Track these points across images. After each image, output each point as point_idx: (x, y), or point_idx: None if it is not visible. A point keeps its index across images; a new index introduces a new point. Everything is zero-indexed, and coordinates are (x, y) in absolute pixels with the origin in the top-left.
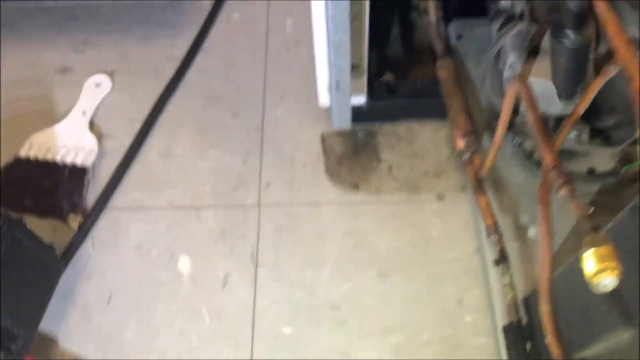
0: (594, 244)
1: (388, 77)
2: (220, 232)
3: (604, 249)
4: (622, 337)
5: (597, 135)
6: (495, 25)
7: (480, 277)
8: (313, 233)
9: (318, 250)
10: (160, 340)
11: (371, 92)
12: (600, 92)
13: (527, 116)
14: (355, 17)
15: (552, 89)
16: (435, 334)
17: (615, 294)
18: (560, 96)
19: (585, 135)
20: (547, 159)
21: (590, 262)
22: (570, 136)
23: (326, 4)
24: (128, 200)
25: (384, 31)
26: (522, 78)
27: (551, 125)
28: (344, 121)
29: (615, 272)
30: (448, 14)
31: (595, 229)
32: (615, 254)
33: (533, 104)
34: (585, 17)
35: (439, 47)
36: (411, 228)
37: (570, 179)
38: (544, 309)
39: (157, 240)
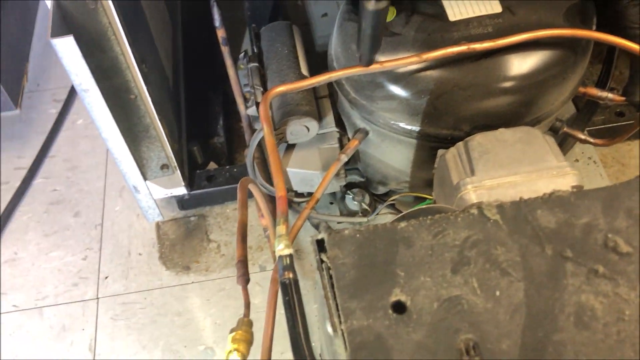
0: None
1: (212, 166)
2: (61, 327)
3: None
4: None
5: (378, 199)
6: None
7: None
8: (146, 319)
9: (150, 334)
10: None
11: (192, 183)
12: (368, 170)
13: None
14: (144, 126)
15: (309, 174)
16: None
17: None
18: (364, 58)
19: (367, 200)
20: (237, 252)
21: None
22: (354, 203)
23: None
24: None
25: (209, 123)
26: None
27: (339, 197)
28: (154, 216)
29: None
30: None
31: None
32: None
33: (240, 209)
34: None
35: (247, 136)
36: (236, 300)
37: (245, 272)
38: None
39: (4, 345)
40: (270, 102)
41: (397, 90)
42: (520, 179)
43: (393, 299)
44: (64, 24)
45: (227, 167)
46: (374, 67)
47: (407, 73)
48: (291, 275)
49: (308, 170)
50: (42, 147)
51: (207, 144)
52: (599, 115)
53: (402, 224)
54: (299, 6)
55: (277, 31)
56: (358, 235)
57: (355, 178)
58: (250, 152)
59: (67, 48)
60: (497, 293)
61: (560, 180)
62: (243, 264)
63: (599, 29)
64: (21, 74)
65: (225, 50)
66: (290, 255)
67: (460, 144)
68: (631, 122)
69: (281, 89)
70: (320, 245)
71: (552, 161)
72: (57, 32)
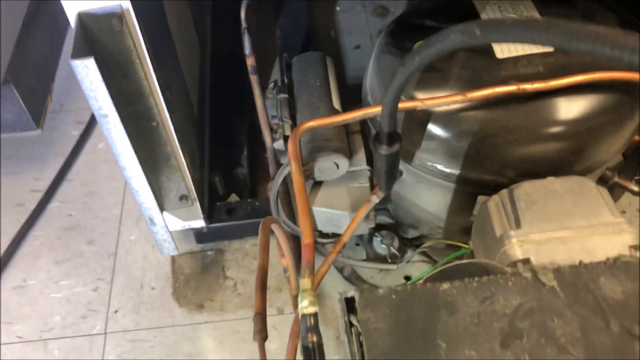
0: None
1: (234, 198)
2: None
3: None
4: None
5: (409, 243)
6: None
7: None
8: (155, 358)
9: None
10: None
11: (211, 215)
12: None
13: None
14: (164, 155)
15: (336, 214)
16: None
17: None
18: (380, 190)
19: (396, 244)
20: (255, 303)
21: None
22: (382, 246)
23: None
24: None
25: (232, 153)
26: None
27: (366, 238)
28: (170, 250)
29: None
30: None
31: None
32: None
33: (261, 253)
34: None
35: (272, 170)
36: (250, 344)
37: (263, 327)
38: None
39: None
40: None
41: (437, 130)
42: (572, 234)
43: None
44: (86, 45)
45: (249, 200)
46: (413, 105)
47: (449, 112)
48: (315, 339)
49: (336, 211)
50: (61, 169)
51: (229, 174)
52: None
53: (445, 286)
54: (331, 37)
55: (310, 62)
56: (394, 297)
57: (384, 219)
58: (275, 188)
59: (87, 70)
60: None
61: (617, 238)
62: (261, 317)
63: None
64: (46, 94)
65: (253, 79)
66: (316, 315)
67: (504, 191)
68: None
69: (312, 124)
70: (349, 305)
71: (607, 216)
72: (78, 53)
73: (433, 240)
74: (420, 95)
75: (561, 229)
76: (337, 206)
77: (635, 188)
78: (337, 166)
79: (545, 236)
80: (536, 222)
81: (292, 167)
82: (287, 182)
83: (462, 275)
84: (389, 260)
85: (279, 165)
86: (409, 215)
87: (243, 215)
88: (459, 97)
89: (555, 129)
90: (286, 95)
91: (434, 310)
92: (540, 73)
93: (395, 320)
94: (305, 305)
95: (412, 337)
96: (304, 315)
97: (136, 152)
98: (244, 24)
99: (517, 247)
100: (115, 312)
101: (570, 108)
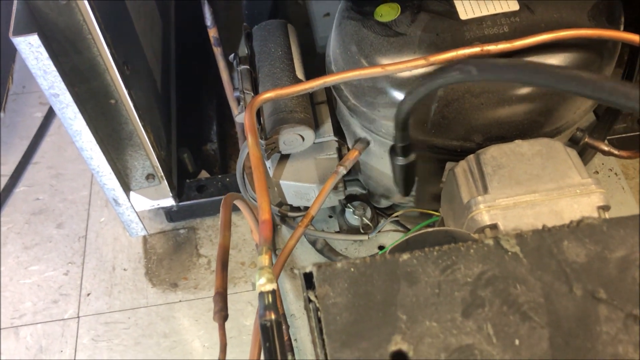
0: None
1: (204, 174)
2: (38, 348)
3: None
4: None
5: (382, 213)
6: None
7: None
8: (129, 340)
9: (134, 357)
10: None
11: (181, 193)
12: (370, 183)
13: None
14: (126, 133)
15: (304, 187)
16: None
17: None
18: (400, 193)
19: (368, 215)
20: (216, 282)
21: None
22: (355, 217)
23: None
24: None
25: (201, 129)
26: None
27: (338, 210)
28: (138, 230)
29: None
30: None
31: None
32: None
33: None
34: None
35: (241, 143)
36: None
37: (224, 307)
38: None
39: None
40: (258, 109)
41: (401, 96)
42: (540, 197)
43: (393, 348)
44: (31, 21)
45: (220, 176)
46: (376, 71)
47: (413, 78)
48: (273, 317)
49: (303, 184)
50: (26, 153)
51: (199, 150)
52: (620, 123)
53: (405, 256)
54: (299, 5)
55: (270, 30)
56: (353, 270)
57: (356, 190)
58: (240, 163)
59: (31, 48)
60: (517, 342)
61: (585, 199)
62: (222, 296)
63: (626, 29)
64: (6, 75)
65: (217, 51)
66: (273, 292)
67: (471, 157)
68: None
69: (269, 95)
70: (308, 280)
71: (575, 177)
72: (20, 29)
73: (403, 209)
74: (384, 60)
75: (529, 193)
76: (305, 179)
77: (605, 148)
78: (302, 138)
79: (512, 201)
80: (503, 187)
81: (248, 141)
82: None
83: (428, 244)
84: (362, 231)
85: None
86: (380, 185)
87: (214, 192)
88: (420, 62)
89: (522, 91)
90: (247, 67)
91: (394, 281)
92: (506, 33)
93: (354, 294)
94: (263, 283)
95: (372, 310)
96: (261, 293)
97: (95, 131)
98: None
99: (485, 213)
100: (88, 295)
101: None
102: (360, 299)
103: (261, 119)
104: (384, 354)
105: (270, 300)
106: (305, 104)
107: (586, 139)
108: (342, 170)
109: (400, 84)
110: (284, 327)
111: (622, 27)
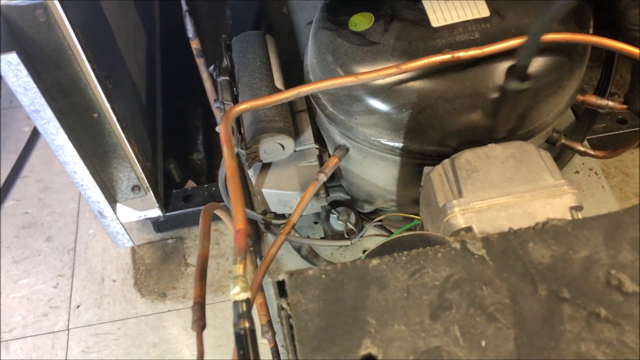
0: None
1: (191, 184)
2: None
3: None
4: None
5: (366, 217)
6: None
7: None
8: (119, 351)
9: None
10: None
11: (167, 204)
12: (352, 188)
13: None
14: (110, 146)
15: (286, 195)
16: None
17: None
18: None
19: (352, 220)
20: (194, 292)
21: None
22: (339, 223)
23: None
24: None
25: (188, 139)
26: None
27: (323, 216)
28: (124, 242)
29: None
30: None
31: None
32: None
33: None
34: None
35: None
36: (215, 330)
37: (202, 316)
38: None
39: None
40: (236, 119)
41: (376, 104)
42: (513, 199)
43: (362, 352)
44: (11, 39)
45: (206, 185)
46: (349, 80)
47: (387, 85)
48: (247, 325)
49: (285, 191)
50: (14, 167)
51: (185, 160)
52: (600, 123)
53: (375, 262)
54: (283, 15)
55: (249, 42)
56: (324, 276)
57: (340, 196)
58: (221, 173)
59: (10, 65)
60: (483, 343)
61: (558, 200)
62: (200, 306)
63: (596, 32)
64: None
65: (200, 62)
66: (247, 301)
67: (446, 161)
68: (634, 129)
69: (244, 106)
70: (281, 288)
71: (548, 179)
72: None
73: (385, 214)
74: (359, 69)
75: (503, 195)
76: (287, 187)
77: (582, 148)
78: (283, 147)
79: (486, 203)
80: (478, 190)
81: (223, 151)
82: (240, 166)
83: (403, 248)
84: (346, 236)
85: None
86: (362, 190)
87: (200, 202)
88: (392, 70)
89: (494, 95)
90: (227, 78)
91: (364, 287)
92: (477, 39)
93: (325, 300)
94: (237, 292)
95: (342, 315)
96: (235, 302)
97: (79, 145)
98: (184, 7)
99: (459, 216)
100: (77, 307)
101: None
102: (332, 304)
103: (241, 128)
104: (354, 358)
105: (245, 308)
106: (284, 113)
107: (562, 140)
108: (323, 177)
109: (374, 91)
110: (269, 334)
111: (591, 30)
